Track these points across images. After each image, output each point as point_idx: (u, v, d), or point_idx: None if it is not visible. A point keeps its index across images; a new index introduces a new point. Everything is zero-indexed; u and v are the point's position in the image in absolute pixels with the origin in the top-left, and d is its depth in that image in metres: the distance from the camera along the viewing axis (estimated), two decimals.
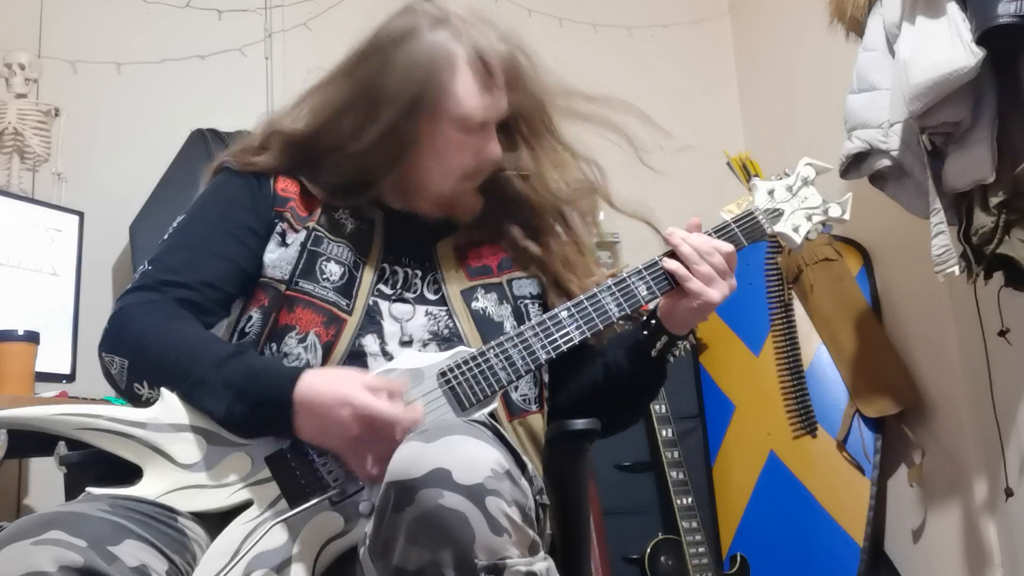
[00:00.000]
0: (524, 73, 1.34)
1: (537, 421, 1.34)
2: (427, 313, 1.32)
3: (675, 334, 1.33)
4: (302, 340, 1.25)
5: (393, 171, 1.33)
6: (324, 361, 1.24)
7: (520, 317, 1.38)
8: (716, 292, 1.28)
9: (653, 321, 1.33)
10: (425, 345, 1.30)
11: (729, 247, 1.30)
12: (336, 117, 1.31)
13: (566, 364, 1.29)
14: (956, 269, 1.96)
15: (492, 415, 1.22)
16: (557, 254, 1.42)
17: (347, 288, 1.30)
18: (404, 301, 1.33)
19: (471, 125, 1.29)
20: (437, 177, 1.34)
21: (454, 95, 1.27)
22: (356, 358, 1.26)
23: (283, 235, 1.32)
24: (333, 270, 1.30)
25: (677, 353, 1.36)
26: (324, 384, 1.13)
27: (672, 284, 1.29)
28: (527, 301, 1.41)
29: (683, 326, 1.32)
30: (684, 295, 1.28)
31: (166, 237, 1.33)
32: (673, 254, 1.30)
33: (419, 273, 1.36)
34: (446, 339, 1.31)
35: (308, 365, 1.23)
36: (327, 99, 1.33)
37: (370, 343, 1.27)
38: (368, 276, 1.32)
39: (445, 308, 1.33)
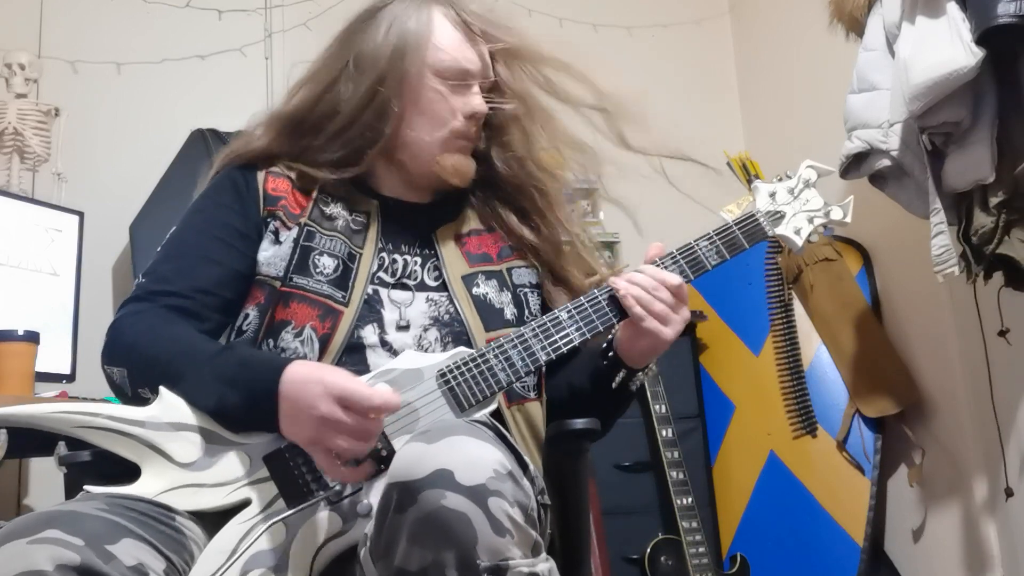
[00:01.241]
0: (501, 28, 1.38)
1: (536, 409, 1.34)
2: (428, 299, 1.33)
3: (632, 367, 1.32)
4: (298, 335, 1.25)
5: (384, 133, 1.34)
6: (321, 354, 1.24)
7: (520, 305, 1.39)
8: (671, 331, 1.26)
9: (611, 353, 1.33)
10: (426, 330, 1.30)
11: (676, 279, 1.27)
12: (326, 88, 1.35)
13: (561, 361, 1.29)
14: (955, 269, 1.96)
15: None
16: (552, 241, 1.43)
17: (342, 280, 1.30)
18: (404, 288, 1.33)
19: (453, 74, 1.34)
20: (427, 137, 1.35)
21: (434, 45, 1.33)
22: (354, 350, 1.26)
23: (276, 233, 1.33)
24: (326, 263, 1.31)
25: (638, 383, 1.35)
26: (306, 368, 1.13)
27: None
28: (526, 290, 1.41)
29: (639, 361, 1.32)
30: (640, 333, 1.27)
31: (160, 248, 1.34)
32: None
33: (419, 260, 1.36)
34: (447, 324, 1.31)
35: (305, 359, 1.23)
36: (316, 76, 1.38)
37: (369, 334, 1.27)
38: (365, 267, 1.32)
39: (446, 293, 1.34)
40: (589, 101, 1.41)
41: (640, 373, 1.33)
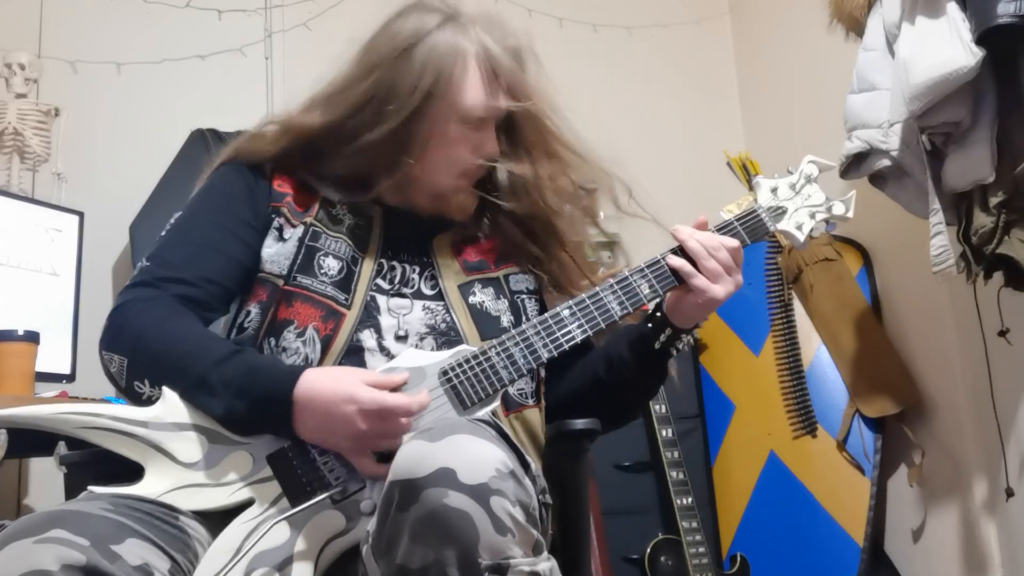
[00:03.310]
0: (527, 76, 1.37)
1: (534, 415, 1.34)
2: (424, 308, 1.33)
3: (679, 327, 1.33)
4: (300, 334, 1.25)
5: (399, 165, 1.34)
6: (323, 355, 1.24)
7: (517, 312, 1.39)
8: (721, 289, 1.28)
9: (658, 314, 1.33)
10: (422, 339, 1.30)
11: (735, 243, 1.31)
12: (352, 113, 1.33)
13: (568, 356, 1.29)
14: (953, 269, 1.96)
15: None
16: (553, 255, 1.43)
17: (345, 283, 1.30)
18: (402, 296, 1.33)
19: (472, 120, 1.33)
20: (437, 172, 1.36)
21: (462, 90, 1.31)
22: (354, 353, 1.26)
23: (280, 230, 1.33)
24: (331, 265, 1.31)
25: (680, 347, 1.35)
26: (326, 382, 1.13)
27: (676, 281, 1.29)
28: (524, 296, 1.41)
29: (687, 320, 1.32)
30: (689, 291, 1.28)
31: (164, 233, 1.33)
32: (677, 251, 1.30)
33: (416, 268, 1.36)
34: (443, 333, 1.31)
35: (307, 359, 1.24)
36: (342, 96, 1.34)
37: (367, 338, 1.27)
38: (367, 271, 1.33)
39: (442, 303, 1.34)
40: (582, 177, 1.43)
41: (684, 335, 1.33)
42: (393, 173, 1.34)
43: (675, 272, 1.29)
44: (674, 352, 1.35)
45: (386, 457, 1.13)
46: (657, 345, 1.34)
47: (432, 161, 1.34)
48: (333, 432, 1.12)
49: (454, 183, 1.37)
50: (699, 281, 1.27)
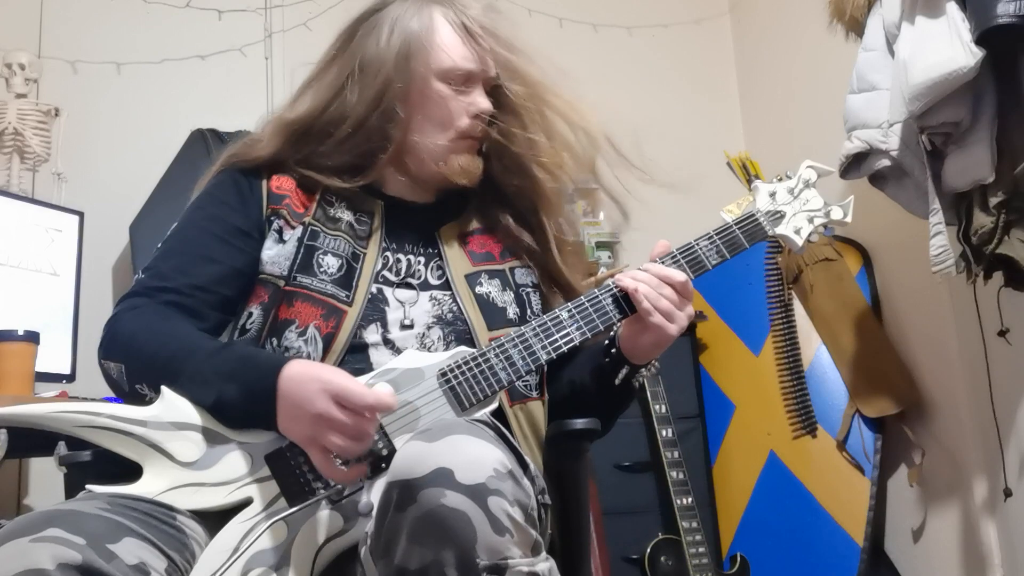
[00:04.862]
0: (503, 35, 1.38)
1: (537, 408, 1.35)
2: (431, 298, 1.34)
3: (636, 364, 1.32)
4: (302, 333, 1.26)
5: (391, 140, 1.34)
6: (324, 353, 1.25)
7: (522, 305, 1.39)
8: (675, 327, 1.26)
9: (614, 350, 1.33)
10: (429, 328, 1.30)
11: (681, 277, 1.27)
12: (332, 95, 1.35)
13: (565, 359, 1.29)
14: (953, 270, 1.97)
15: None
16: (547, 245, 1.43)
17: (346, 280, 1.30)
18: (408, 287, 1.34)
19: (456, 76, 1.34)
20: (431, 135, 1.35)
21: (436, 49, 1.33)
22: (358, 349, 1.26)
23: (280, 232, 1.33)
24: (330, 263, 1.31)
25: (640, 380, 1.35)
26: (304, 368, 1.13)
27: None
28: (528, 290, 1.42)
29: (644, 358, 1.32)
30: (645, 328, 1.27)
31: (160, 245, 1.34)
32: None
33: (422, 259, 1.37)
34: (450, 323, 1.32)
35: (309, 359, 1.24)
36: (321, 81, 1.37)
37: (371, 333, 1.28)
38: (369, 266, 1.33)
39: (449, 292, 1.35)
40: (571, 130, 1.41)
41: (643, 369, 1.33)
42: (388, 147, 1.35)
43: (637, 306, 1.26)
44: (636, 384, 1.35)
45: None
46: (617, 381, 1.33)
47: (423, 125, 1.35)
48: (296, 416, 1.11)
49: (452, 145, 1.36)
50: (656, 319, 1.25)
